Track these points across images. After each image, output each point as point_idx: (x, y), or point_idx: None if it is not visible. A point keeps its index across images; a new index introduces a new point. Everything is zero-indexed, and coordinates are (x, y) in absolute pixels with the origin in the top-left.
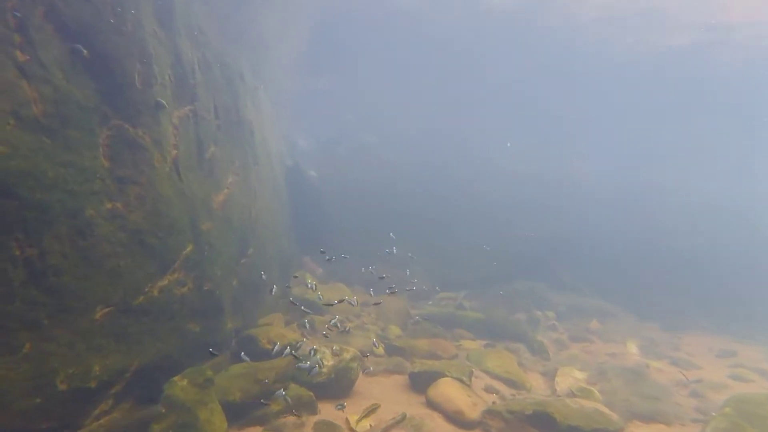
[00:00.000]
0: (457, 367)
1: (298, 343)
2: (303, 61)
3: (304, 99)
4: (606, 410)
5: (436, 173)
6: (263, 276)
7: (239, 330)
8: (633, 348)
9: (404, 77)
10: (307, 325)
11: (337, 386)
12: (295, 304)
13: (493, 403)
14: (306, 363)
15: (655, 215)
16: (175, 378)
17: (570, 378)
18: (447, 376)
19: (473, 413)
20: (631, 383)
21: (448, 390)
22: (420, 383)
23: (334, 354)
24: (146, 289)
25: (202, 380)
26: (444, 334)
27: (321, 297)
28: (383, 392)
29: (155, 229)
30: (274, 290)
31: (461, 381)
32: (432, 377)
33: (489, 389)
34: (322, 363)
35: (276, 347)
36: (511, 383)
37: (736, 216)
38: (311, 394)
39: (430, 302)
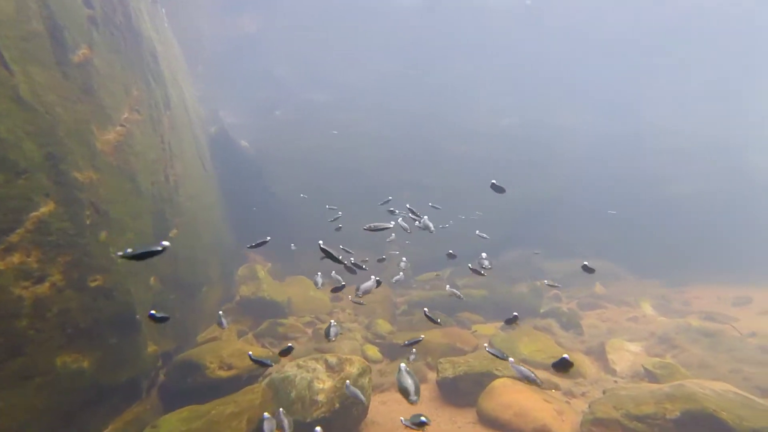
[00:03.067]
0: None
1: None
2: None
3: (224, 49)
4: (741, 392)
5: (405, 134)
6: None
7: (170, 354)
8: (648, 308)
9: (355, 16)
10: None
11: (344, 418)
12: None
13: (567, 402)
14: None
15: (644, 163)
16: None
17: (625, 353)
18: (499, 375)
19: (565, 427)
20: (715, 348)
21: (513, 397)
22: (458, 393)
23: (331, 369)
24: None
25: None
26: (450, 321)
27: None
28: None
29: None
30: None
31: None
32: (477, 381)
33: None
34: (313, 388)
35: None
36: None
37: (725, 158)
38: None
39: (414, 286)
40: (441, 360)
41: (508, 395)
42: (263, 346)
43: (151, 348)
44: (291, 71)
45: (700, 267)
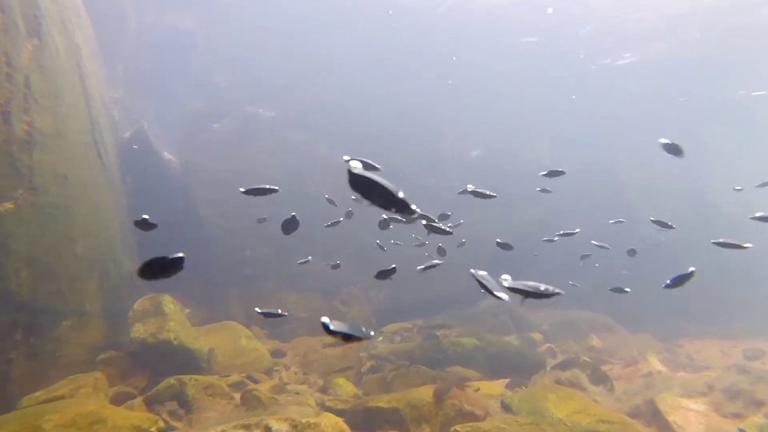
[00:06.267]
0: (558, 427)
1: None
2: None
3: (152, 44)
4: None
5: (363, 160)
6: None
7: None
8: (657, 363)
9: (308, 23)
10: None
11: None
12: None
13: None
14: None
15: (617, 200)
16: None
17: (690, 413)
18: None
19: None
20: None
21: None
22: None
23: None
24: None
25: None
26: (443, 376)
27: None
28: None
29: None
30: None
31: None
32: None
33: None
34: None
35: None
36: None
37: (696, 198)
38: None
39: (380, 338)
40: (457, 428)
41: None
42: (159, 415)
43: None
44: (234, 79)
45: (686, 317)
